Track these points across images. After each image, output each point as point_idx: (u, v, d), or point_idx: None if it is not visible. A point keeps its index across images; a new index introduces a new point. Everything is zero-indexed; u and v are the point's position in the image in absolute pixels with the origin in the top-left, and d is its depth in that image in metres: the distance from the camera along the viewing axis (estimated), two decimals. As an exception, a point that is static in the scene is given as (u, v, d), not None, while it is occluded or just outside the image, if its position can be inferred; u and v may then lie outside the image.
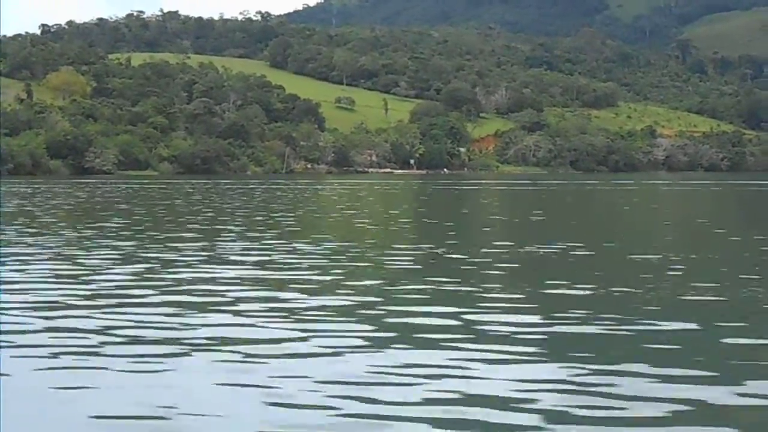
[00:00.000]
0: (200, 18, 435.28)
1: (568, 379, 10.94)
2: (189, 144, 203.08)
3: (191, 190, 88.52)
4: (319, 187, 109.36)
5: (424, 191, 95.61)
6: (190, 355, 12.30)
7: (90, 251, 25.65)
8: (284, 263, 23.11)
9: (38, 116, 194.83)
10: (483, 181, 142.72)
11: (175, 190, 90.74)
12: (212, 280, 19.47)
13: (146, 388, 10.72)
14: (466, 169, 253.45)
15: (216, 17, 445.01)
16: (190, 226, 37.79)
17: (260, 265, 22.79)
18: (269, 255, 24.80)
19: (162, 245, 27.62)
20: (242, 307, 16.00)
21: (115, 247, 26.79)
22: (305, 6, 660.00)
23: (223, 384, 10.76)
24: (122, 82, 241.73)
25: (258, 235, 32.40)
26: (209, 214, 46.63)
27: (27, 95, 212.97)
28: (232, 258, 24.28)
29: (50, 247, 27.10)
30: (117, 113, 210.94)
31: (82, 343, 13.02)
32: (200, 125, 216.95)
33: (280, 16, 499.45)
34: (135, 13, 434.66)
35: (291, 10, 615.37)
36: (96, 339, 13.27)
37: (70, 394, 10.53)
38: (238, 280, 19.57)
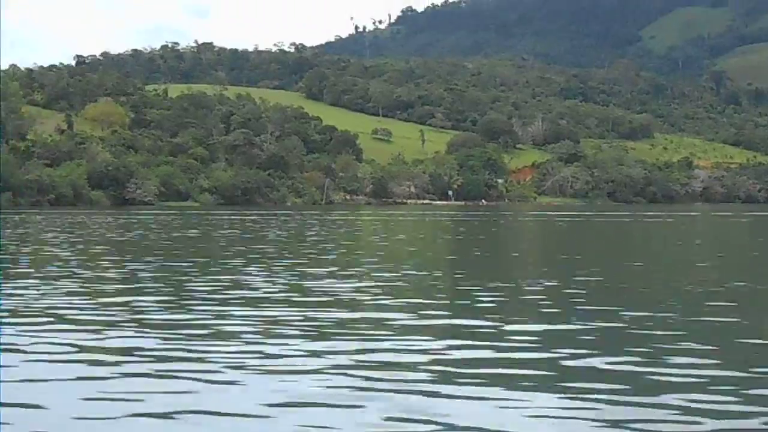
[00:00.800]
0: (235, 50, 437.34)
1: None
2: (229, 175, 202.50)
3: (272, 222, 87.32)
4: (373, 218, 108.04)
5: (483, 224, 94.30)
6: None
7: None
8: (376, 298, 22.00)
9: (79, 147, 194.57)
10: (533, 213, 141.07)
11: (245, 222, 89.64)
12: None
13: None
14: (506, 200, 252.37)
15: (250, 49, 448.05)
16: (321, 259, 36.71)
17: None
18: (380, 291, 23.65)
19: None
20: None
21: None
22: (337, 37, 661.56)
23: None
24: (160, 113, 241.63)
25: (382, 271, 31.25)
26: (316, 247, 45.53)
27: (67, 126, 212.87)
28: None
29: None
30: (157, 144, 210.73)
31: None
32: (240, 156, 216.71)
33: (313, 47, 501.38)
34: (170, 45, 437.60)
35: (323, 42, 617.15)
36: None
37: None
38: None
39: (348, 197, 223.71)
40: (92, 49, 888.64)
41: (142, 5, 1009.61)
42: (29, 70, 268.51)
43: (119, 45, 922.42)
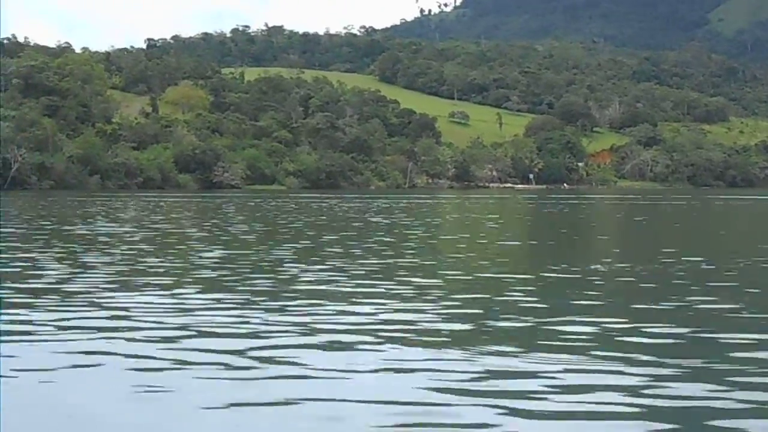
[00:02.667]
0: (306, 33, 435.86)
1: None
2: (314, 159, 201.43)
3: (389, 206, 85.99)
4: (472, 200, 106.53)
5: (579, 207, 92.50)
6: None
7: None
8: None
9: (165, 130, 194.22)
10: (625, 196, 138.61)
11: (355, 206, 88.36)
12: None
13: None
14: (593, 183, 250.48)
15: (318, 31, 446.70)
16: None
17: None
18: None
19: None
20: None
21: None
22: (402, 21, 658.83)
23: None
24: (239, 96, 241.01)
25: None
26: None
27: (152, 109, 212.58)
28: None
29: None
30: (241, 127, 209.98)
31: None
32: (323, 140, 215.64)
33: (378, 30, 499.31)
34: (240, 28, 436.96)
35: (389, 25, 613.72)
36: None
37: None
38: None
39: (431, 181, 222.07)
40: (155, 32, 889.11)
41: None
42: (107, 53, 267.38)
43: (183, 29, 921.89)
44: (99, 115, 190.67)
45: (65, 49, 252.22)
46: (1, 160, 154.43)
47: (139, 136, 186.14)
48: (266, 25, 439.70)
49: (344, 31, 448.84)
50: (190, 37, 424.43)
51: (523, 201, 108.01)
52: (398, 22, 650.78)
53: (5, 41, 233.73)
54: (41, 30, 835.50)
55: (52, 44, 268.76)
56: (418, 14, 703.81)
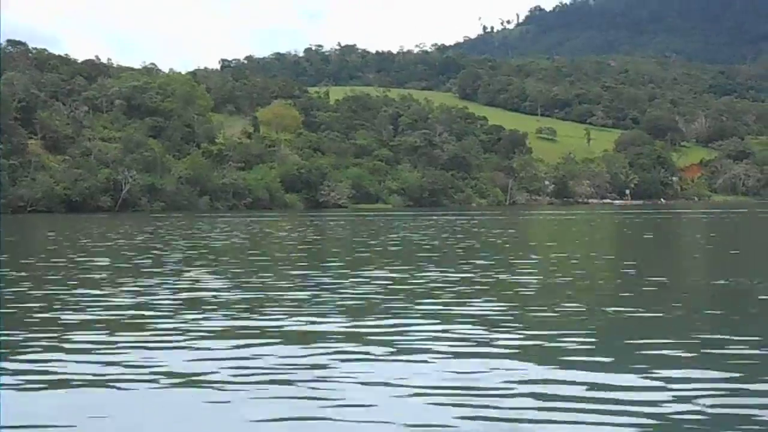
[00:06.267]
0: (380, 51, 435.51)
1: None
2: (416, 176, 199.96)
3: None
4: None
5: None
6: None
7: None
8: None
9: (269, 150, 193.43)
10: (734, 210, 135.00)
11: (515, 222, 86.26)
12: None
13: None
14: (693, 197, 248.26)
15: (391, 49, 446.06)
16: None
17: None
18: None
19: None
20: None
21: None
22: (466, 38, 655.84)
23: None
24: (328, 115, 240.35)
25: None
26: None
27: (254, 129, 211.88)
28: None
29: None
30: (341, 146, 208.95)
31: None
32: (422, 157, 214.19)
33: (449, 47, 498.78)
34: (314, 47, 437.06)
35: (452, 42, 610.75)
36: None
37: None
38: None
39: (530, 197, 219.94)
40: (210, 54, 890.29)
41: (256, 10, 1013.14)
42: (192, 73, 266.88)
43: (236, 50, 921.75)
44: (203, 135, 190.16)
45: (150, 70, 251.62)
46: (112, 182, 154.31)
47: (244, 156, 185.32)
48: (339, 44, 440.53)
49: (416, 49, 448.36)
50: (264, 57, 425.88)
51: (646, 217, 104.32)
52: (461, 40, 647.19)
53: (84, 63, 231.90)
54: (97, 51, 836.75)
55: (136, 65, 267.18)
56: (480, 31, 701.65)
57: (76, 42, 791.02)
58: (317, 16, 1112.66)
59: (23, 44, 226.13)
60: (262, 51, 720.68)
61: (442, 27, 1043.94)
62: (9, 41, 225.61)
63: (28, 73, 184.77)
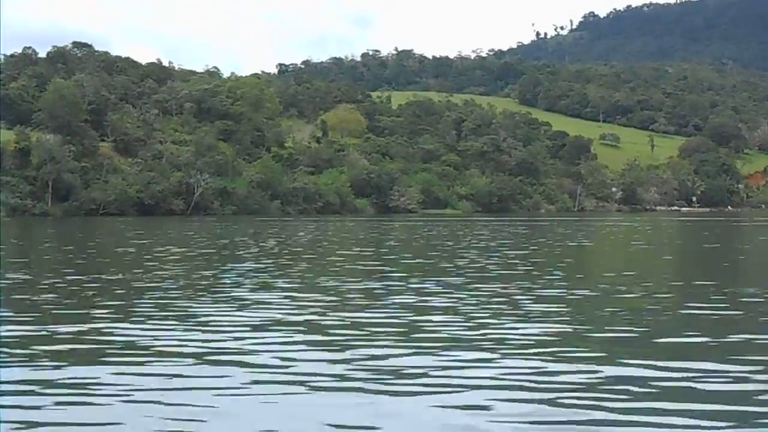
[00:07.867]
0: (437, 56, 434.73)
1: None
2: (485, 182, 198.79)
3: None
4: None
5: None
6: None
7: None
8: None
9: (338, 154, 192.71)
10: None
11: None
12: None
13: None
14: (761, 205, 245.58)
15: (449, 54, 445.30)
16: None
17: None
18: None
19: None
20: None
21: None
22: (519, 44, 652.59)
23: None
24: (392, 119, 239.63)
25: None
26: None
27: (323, 133, 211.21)
28: None
29: None
30: (409, 151, 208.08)
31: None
32: (490, 162, 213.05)
33: (506, 52, 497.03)
34: (371, 52, 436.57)
35: (505, 48, 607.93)
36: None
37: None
38: None
39: (599, 204, 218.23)
40: (263, 59, 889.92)
41: (307, 16, 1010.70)
42: (255, 77, 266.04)
43: (287, 55, 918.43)
44: (272, 139, 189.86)
45: (213, 74, 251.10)
46: (185, 185, 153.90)
47: (314, 161, 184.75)
48: (396, 49, 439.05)
49: (473, 54, 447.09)
50: (322, 62, 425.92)
51: (731, 227, 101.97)
52: (515, 45, 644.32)
53: (149, 65, 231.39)
54: (151, 54, 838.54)
55: (199, 69, 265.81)
56: (534, 37, 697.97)
57: (127, 46, 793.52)
58: (365, 23, 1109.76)
59: (89, 46, 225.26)
60: (314, 56, 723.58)
61: (494, 33, 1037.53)
62: (74, 43, 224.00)
63: (97, 76, 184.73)
